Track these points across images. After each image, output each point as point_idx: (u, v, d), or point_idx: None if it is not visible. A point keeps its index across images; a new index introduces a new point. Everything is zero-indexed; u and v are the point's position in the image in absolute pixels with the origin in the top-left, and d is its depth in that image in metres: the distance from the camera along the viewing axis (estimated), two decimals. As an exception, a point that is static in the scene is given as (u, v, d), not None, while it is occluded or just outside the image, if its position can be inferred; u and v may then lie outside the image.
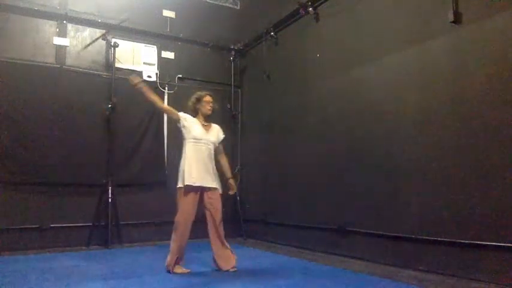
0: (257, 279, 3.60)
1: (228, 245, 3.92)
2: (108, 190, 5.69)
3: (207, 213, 3.86)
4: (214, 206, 3.84)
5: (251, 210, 6.62)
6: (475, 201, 3.38)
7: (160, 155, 6.36)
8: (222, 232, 3.87)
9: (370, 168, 4.43)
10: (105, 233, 5.62)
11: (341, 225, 4.72)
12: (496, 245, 3.20)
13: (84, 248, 5.51)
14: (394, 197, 4.12)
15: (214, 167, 3.93)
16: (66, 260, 4.65)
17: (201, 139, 3.84)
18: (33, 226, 5.37)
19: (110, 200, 5.67)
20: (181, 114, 3.91)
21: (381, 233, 4.21)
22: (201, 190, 3.80)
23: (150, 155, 6.27)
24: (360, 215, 4.51)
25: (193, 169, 3.74)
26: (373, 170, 4.39)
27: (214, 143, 3.94)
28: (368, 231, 4.37)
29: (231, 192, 4.10)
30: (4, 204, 5.22)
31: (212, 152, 3.92)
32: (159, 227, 6.12)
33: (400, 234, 3.99)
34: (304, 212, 5.38)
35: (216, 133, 4.02)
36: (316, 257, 4.66)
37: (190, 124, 3.87)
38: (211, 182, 3.83)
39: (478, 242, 3.32)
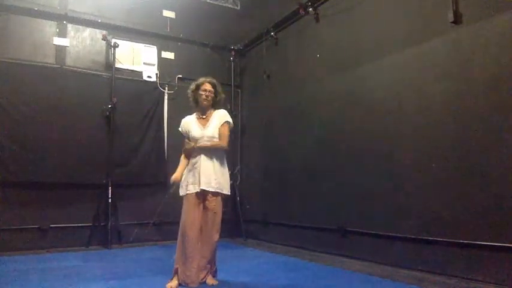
0: (257, 279, 3.61)
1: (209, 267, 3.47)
2: (108, 190, 5.69)
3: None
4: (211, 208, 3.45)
5: (251, 210, 6.62)
6: (475, 201, 3.38)
7: (160, 155, 6.36)
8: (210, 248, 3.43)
9: (370, 168, 4.43)
10: (105, 233, 5.62)
11: (341, 225, 4.72)
12: (496, 245, 3.20)
13: (84, 248, 5.51)
14: (394, 197, 4.12)
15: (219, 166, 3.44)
16: (66, 260, 4.66)
17: (198, 139, 3.43)
18: (33, 226, 5.38)
19: (109, 200, 5.67)
20: (182, 127, 3.59)
21: (381, 233, 4.21)
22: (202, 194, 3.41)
23: (150, 155, 6.27)
24: (360, 215, 4.50)
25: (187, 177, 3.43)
26: (373, 170, 4.39)
27: (213, 137, 3.43)
28: (368, 231, 4.37)
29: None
30: (4, 204, 5.22)
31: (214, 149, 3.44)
32: (159, 227, 6.12)
33: (400, 234, 3.99)
34: (304, 212, 5.38)
35: (214, 123, 3.47)
36: (316, 257, 4.66)
37: (188, 126, 3.52)
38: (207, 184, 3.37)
39: (478, 242, 3.32)
